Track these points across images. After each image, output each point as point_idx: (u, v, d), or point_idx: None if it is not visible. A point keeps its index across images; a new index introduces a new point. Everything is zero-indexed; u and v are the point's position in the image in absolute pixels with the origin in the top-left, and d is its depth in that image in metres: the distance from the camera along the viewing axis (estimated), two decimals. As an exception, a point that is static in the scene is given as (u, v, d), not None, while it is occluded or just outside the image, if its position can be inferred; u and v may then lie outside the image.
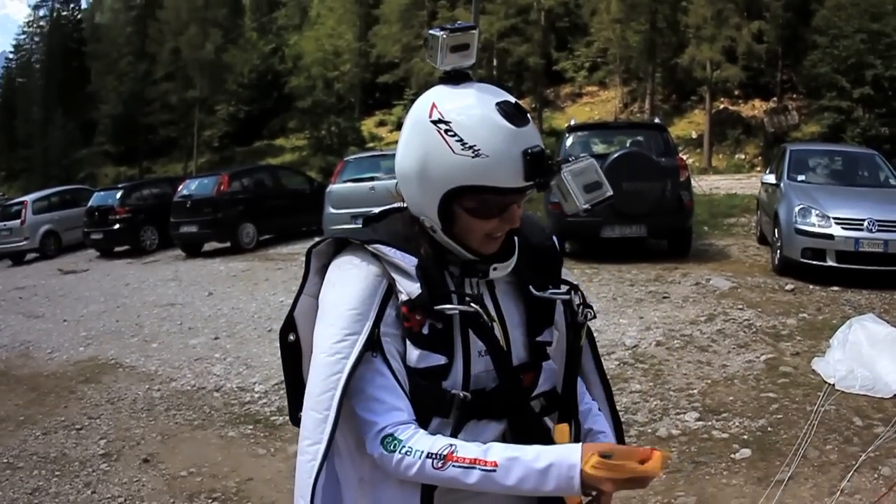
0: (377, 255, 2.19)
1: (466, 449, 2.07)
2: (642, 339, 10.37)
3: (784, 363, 9.30)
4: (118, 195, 26.92)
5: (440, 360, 2.17)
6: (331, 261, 2.32)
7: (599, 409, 2.57)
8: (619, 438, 2.60)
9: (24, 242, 29.34)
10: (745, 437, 7.33)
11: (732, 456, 6.94)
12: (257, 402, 9.28)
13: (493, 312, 2.27)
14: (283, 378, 7.55)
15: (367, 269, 2.20)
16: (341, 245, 2.31)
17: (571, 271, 2.61)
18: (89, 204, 27.66)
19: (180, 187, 25.58)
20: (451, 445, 2.07)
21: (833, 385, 8.34)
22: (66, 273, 23.36)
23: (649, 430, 7.55)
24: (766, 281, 13.60)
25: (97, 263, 25.28)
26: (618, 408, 2.70)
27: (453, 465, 2.04)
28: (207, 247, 24.40)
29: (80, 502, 6.94)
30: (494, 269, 2.24)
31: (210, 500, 6.81)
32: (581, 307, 2.39)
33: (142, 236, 26.35)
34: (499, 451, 2.06)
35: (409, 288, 2.15)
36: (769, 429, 7.47)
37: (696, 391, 8.58)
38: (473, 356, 2.21)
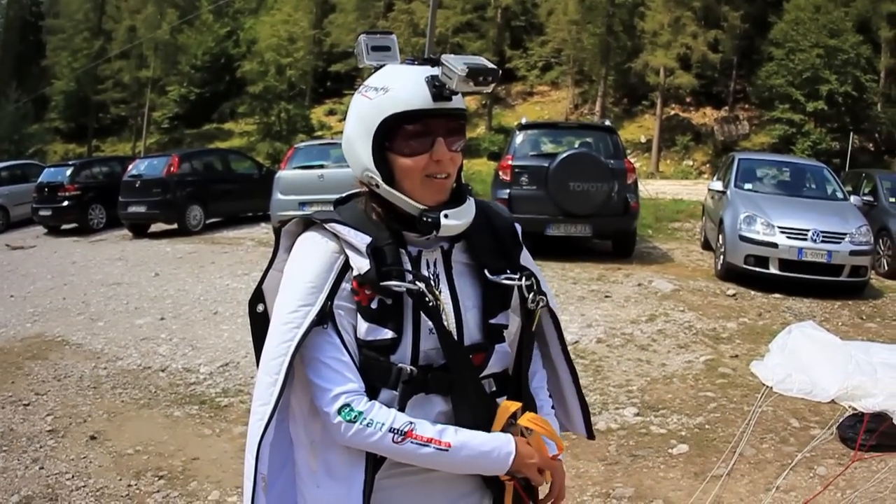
0: (336, 234, 2.33)
1: (424, 428, 2.24)
2: (583, 336, 10.54)
3: (723, 364, 9.49)
4: (68, 172, 26.52)
5: (387, 334, 2.29)
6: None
7: (553, 408, 2.70)
8: (586, 417, 2.80)
9: (-27, 216, 28.86)
10: (683, 433, 7.49)
11: (670, 451, 7.11)
12: (202, 384, 9.29)
13: (446, 292, 2.39)
14: (227, 360, 7.68)
15: (325, 245, 2.34)
16: (308, 225, 2.43)
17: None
18: (39, 180, 27.25)
19: (130, 167, 25.28)
20: (411, 423, 2.24)
21: (771, 388, 8.52)
22: (13, 249, 23.05)
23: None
24: (708, 285, 13.80)
25: (45, 240, 24.98)
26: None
27: (411, 442, 2.22)
28: (154, 228, 24.24)
29: (28, 478, 6.90)
30: (446, 215, 2.31)
31: (156, 479, 6.81)
32: (534, 294, 2.48)
33: (90, 214, 26.00)
34: (451, 434, 2.26)
35: (360, 264, 2.29)
36: (707, 426, 7.64)
37: (635, 388, 8.75)
38: (424, 333, 2.32)
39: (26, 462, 7.23)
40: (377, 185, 2.34)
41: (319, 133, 50.73)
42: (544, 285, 2.56)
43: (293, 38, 55.17)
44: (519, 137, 16.90)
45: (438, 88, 2.24)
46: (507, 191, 15.64)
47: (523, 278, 2.47)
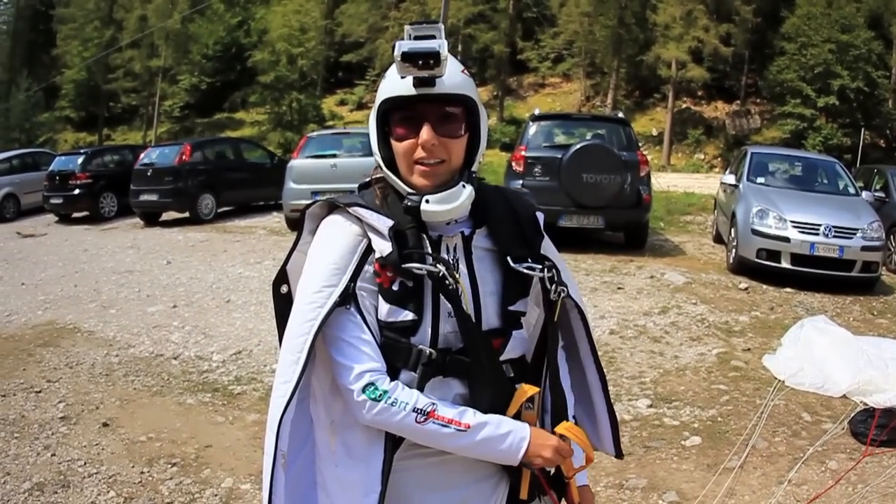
0: (359, 217, 2.37)
1: (445, 410, 2.28)
2: (596, 327, 10.50)
3: (735, 357, 9.51)
4: (79, 160, 26.49)
5: (408, 315, 2.33)
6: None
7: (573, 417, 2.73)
8: (615, 431, 2.78)
9: (-17, 204, 28.81)
10: (696, 425, 7.51)
11: (683, 443, 7.13)
12: (215, 371, 9.31)
13: (465, 277, 2.41)
14: (240, 348, 7.68)
15: (349, 228, 2.38)
16: (332, 208, 2.47)
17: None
18: (50, 168, 27.19)
19: (142, 155, 25.27)
20: (434, 404, 2.27)
21: (783, 381, 8.53)
22: (24, 237, 23.03)
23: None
24: (720, 278, 13.80)
25: (56, 228, 24.97)
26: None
27: (433, 422, 2.25)
28: (166, 216, 24.24)
29: (40, 464, 6.90)
30: (427, 200, 2.33)
31: (169, 466, 6.83)
32: (555, 285, 2.49)
33: (101, 203, 25.96)
34: (471, 416, 2.29)
35: (381, 246, 2.33)
36: (719, 419, 7.66)
37: (648, 379, 8.78)
38: (443, 316, 2.35)
39: (38, 449, 7.23)
40: (381, 169, 2.43)
41: (331, 123, 50.76)
42: (566, 276, 2.58)
43: (304, 28, 55.10)
44: (532, 128, 16.91)
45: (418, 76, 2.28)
46: (520, 181, 15.60)
47: (545, 270, 2.48)
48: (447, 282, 2.30)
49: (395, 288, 2.32)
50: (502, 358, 2.45)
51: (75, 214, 26.50)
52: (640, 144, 18.50)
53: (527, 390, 2.41)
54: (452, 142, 2.38)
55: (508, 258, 2.45)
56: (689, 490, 6.24)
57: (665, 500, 6.10)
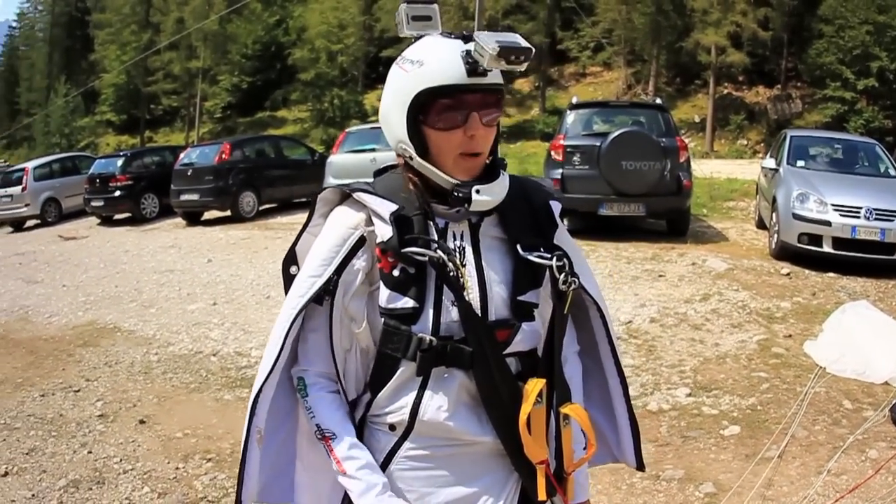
0: (363, 203, 2.34)
1: (339, 445, 2.33)
2: (636, 315, 10.42)
3: (776, 344, 9.38)
4: (119, 163, 26.72)
5: (408, 302, 2.28)
6: (334, 207, 2.47)
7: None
8: (636, 439, 2.73)
9: (25, 209, 29.08)
10: (735, 414, 7.41)
11: (721, 432, 7.03)
12: (254, 367, 9.25)
13: (471, 265, 2.34)
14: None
15: (347, 220, 2.37)
16: (344, 196, 2.45)
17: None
18: (90, 171, 27.46)
19: (182, 155, 25.42)
20: (334, 435, 2.33)
21: (824, 368, 8.41)
22: (66, 239, 23.24)
23: (640, 404, 7.60)
24: (762, 264, 13.65)
25: (97, 230, 25.19)
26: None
27: (325, 447, 2.34)
28: (207, 215, 24.37)
29: (77, 462, 6.96)
30: (478, 191, 2.28)
31: (204, 461, 6.86)
32: (565, 275, 2.38)
33: (142, 204, 26.13)
34: (353, 465, 2.32)
35: (383, 231, 2.29)
36: (759, 407, 7.55)
37: (687, 368, 8.68)
38: (446, 304, 2.29)
39: (75, 447, 7.30)
40: (411, 158, 2.34)
41: (373, 118, 50.79)
42: (582, 269, 2.50)
43: (343, 25, 55.36)
44: (570, 117, 16.84)
45: (473, 64, 2.20)
46: (560, 170, 15.54)
47: (554, 258, 2.38)
48: (448, 269, 2.24)
49: (395, 274, 2.27)
50: (509, 350, 2.37)
51: (117, 216, 26.69)
52: (681, 131, 18.37)
53: (536, 384, 2.33)
54: (492, 130, 2.33)
55: (518, 246, 2.37)
56: (727, 481, 6.16)
57: (701, 492, 6.03)
